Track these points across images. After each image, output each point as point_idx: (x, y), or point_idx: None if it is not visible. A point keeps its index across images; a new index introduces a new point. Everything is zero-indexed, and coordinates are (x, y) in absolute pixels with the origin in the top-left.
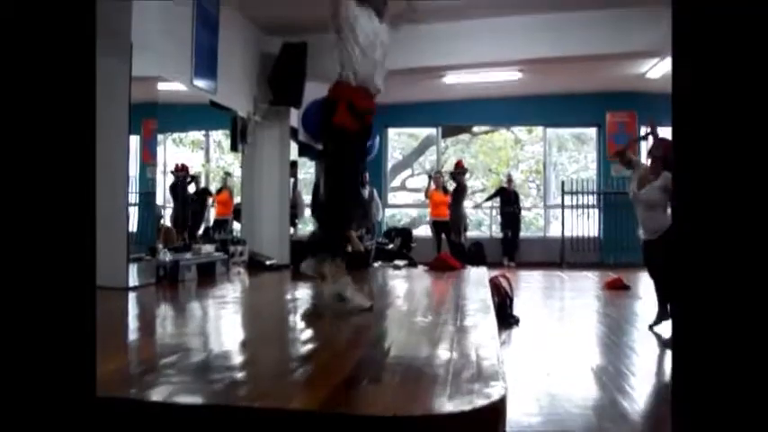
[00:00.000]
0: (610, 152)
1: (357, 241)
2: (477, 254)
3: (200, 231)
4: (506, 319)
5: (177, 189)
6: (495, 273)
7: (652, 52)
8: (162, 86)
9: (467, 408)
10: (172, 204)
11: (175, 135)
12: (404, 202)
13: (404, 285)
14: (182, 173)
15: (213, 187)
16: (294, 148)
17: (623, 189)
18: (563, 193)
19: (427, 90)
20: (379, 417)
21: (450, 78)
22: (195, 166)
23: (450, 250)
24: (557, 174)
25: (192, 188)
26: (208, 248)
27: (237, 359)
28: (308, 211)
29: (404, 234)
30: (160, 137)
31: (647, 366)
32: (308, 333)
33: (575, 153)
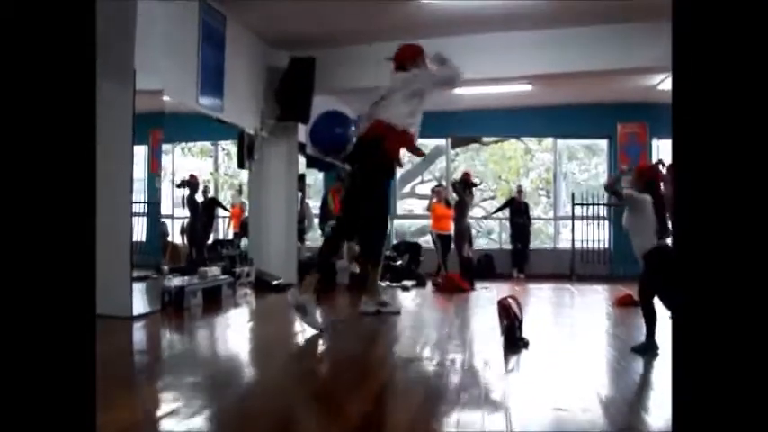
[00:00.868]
0: (621, 163)
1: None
2: (486, 265)
3: (209, 242)
4: (515, 343)
5: (191, 200)
6: (504, 293)
7: (660, 68)
8: (168, 97)
9: None
10: (180, 215)
11: (183, 144)
12: (412, 209)
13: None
14: (194, 183)
15: (221, 196)
16: (302, 161)
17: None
18: (573, 204)
19: (436, 100)
20: None
21: (460, 89)
22: (204, 174)
23: (460, 264)
24: (567, 183)
25: (199, 197)
26: (214, 271)
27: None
28: (316, 221)
29: (412, 249)
30: (168, 146)
31: (655, 396)
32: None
33: (585, 161)
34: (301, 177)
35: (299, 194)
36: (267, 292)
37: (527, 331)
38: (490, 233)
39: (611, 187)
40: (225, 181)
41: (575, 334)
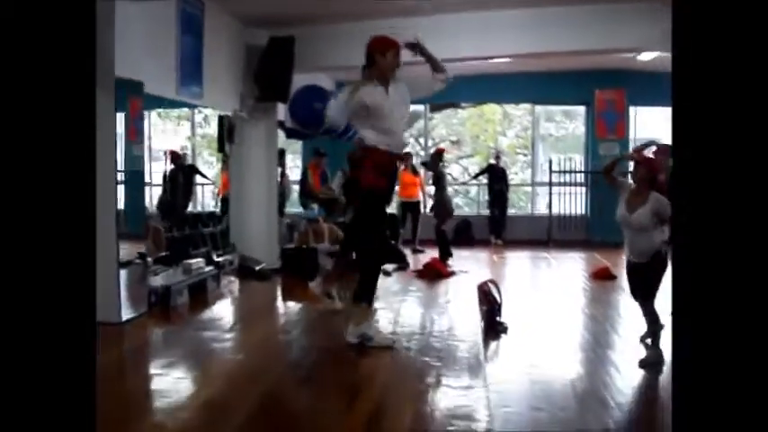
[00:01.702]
0: (598, 131)
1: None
2: (464, 232)
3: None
4: (495, 327)
5: (174, 177)
6: (482, 264)
7: (640, 48)
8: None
9: None
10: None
11: (160, 109)
12: None
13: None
14: (178, 160)
15: (200, 162)
16: (281, 136)
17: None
18: (551, 171)
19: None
20: None
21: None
22: (180, 139)
23: (436, 237)
24: (544, 146)
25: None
26: (198, 263)
27: None
28: (296, 194)
29: (390, 223)
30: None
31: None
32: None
33: (564, 123)
34: (281, 153)
35: (279, 169)
36: (251, 279)
37: (506, 310)
38: (468, 194)
39: (609, 173)
40: (206, 145)
41: (553, 315)
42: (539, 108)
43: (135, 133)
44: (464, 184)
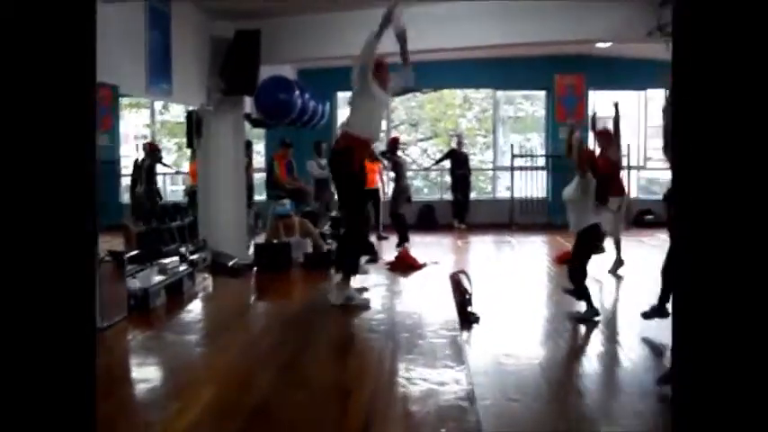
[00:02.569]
0: (558, 114)
1: (321, 241)
2: (427, 216)
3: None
4: (467, 318)
5: (150, 171)
6: (447, 249)
7: (601, 39)
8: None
9: None
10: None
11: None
12: None
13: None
14: (155, 152)
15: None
16: (247, 128)
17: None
18: (512, 156)
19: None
20: None
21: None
22: (138, 126)
23: (393, 221)
24: (505, 129)
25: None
26: (173, 262)
27: None
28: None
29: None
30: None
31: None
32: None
33: (522, 105)
34: (248, 144)
35: (246, 160)
36: (224, 275)
37: (476, 298)
38: (427, 177)
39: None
40: (166, 132)
41: (521, 303)
42: (500, 93)
43: (107, 123)
44: (427, 169)
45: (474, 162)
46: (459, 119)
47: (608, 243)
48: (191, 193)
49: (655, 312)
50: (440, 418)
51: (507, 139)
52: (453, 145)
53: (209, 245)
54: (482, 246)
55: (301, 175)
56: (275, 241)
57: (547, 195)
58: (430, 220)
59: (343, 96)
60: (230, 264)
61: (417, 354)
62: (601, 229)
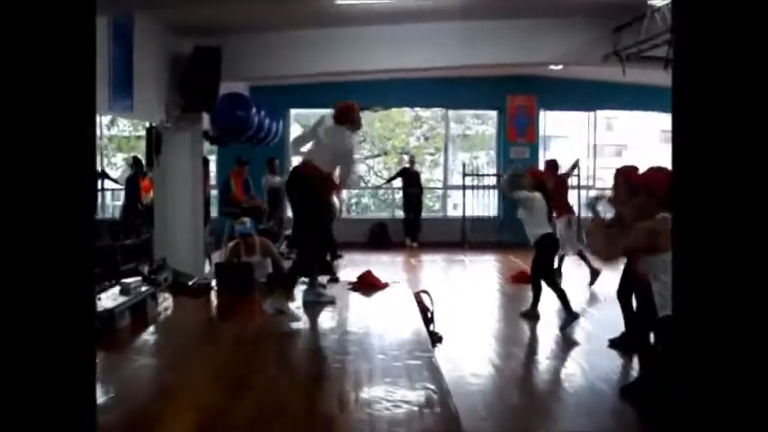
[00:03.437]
0: (509, 134)
1: (282, 262)
2: (380, 234)
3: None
4: (431, 338)
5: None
6: (400, 268)
7: (559, 62)
8: None
9: None
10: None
11: None
12: None
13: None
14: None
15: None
16: (205, 146)
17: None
18: (464, 174)
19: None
20: None
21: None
22: None
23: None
24: (455, 147)
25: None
26: (136, 281)
27: None
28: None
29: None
30: None
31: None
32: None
33: (471, 124)
34: (205, 161)
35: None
36: (184, 295)
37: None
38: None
39: (507, 191)
40: (115, 147)
41: (480, 322)
42: (451, 113)
43: None
44: (378, 188)
45: (423, 180)
46: (409, 137)
47: (572, 261)
48: (145, 209)
49: (624, 341)
50: None
51: (456, 157)
52: (405, 164)
53: (168, 264)
54: (435, 265)
55: (255, 192)
56: (236, 260)
57: (498, 214)
58: (383, 238)
59: (296, 113)
60: (190, 283)
61: (395, 376)
62: (555, 237)
